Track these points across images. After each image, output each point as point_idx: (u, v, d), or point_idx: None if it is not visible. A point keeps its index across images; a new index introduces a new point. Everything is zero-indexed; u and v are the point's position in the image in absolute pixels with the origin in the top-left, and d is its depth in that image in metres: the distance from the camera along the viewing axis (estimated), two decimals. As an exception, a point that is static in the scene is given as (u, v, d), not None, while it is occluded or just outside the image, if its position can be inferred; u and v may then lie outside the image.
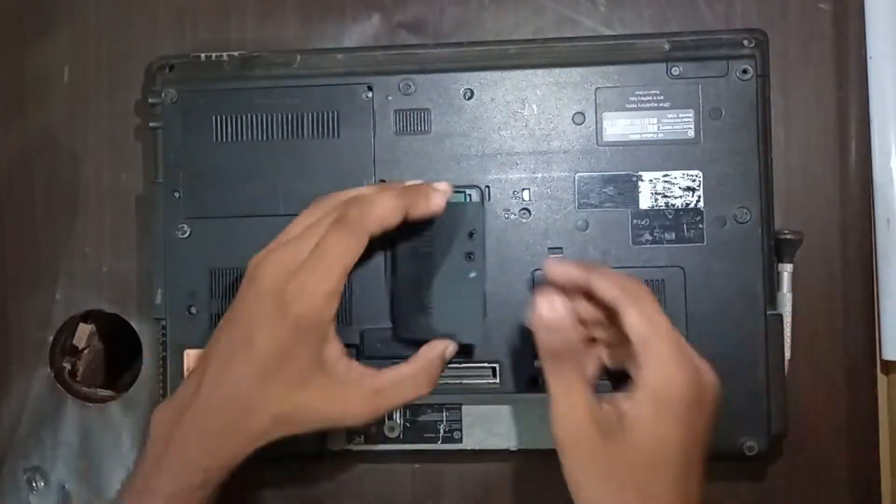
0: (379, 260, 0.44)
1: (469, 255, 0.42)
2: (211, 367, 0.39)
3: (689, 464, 0.36)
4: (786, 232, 0.45)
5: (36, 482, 0.50)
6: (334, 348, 0.38)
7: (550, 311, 0.37)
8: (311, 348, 0.38)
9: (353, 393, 0.39)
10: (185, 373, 0.45)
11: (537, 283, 0.44)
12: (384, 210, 0.38)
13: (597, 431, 0.36)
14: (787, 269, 0.45)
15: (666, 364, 0.36)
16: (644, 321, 0.36)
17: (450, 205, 0.41)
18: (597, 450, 0.36)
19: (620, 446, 0.36)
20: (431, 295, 0.42)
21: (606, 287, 0.37)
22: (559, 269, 0.38)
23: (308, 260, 0.37)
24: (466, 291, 0.42)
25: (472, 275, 0.42)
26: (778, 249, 0.45)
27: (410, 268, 0.42)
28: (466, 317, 0.41)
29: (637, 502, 0.36)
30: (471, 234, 0.42)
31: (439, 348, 0.40)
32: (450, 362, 0.42)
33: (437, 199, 0.39)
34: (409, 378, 0.39)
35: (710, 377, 0.37)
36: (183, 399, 0.39)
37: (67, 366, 0.50)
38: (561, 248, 0.44)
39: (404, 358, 0.44)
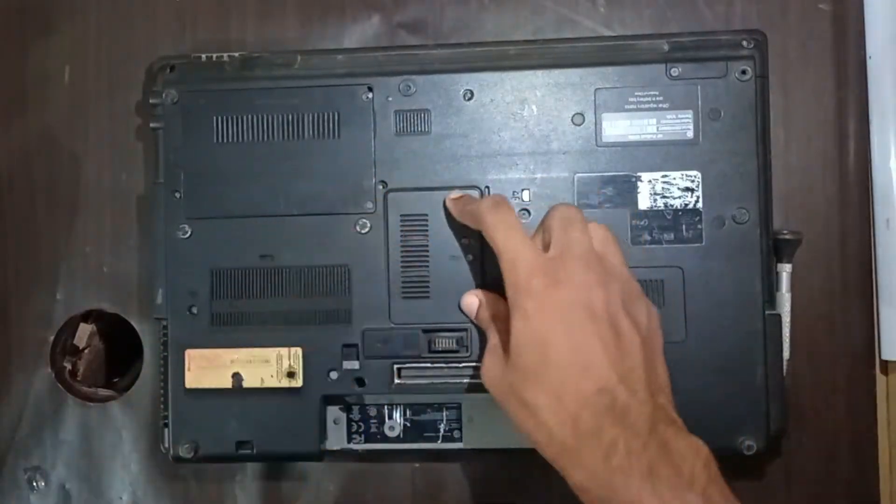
0: (378, 260, 0.44)
1: (465, 239, 0.44)
2: None
3: (581, 331, 0.36)
4: (785, 232, 0.45)
5: (36, 482, 0.50)
6: None
7: (468, 301, 0.43)
8: None
9: None
10: (186, 373, 0.45)
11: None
12: None
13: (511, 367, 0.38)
14: (785, 270, 0.45)
15: (503, 262, 0.38)
16: (489, 236, 0.39)
17: (447, 191, 0.44)
18: (496, 368, 0.38)
19: (522, 366, 0.37)
20: (429, 279, 0.44)
21: (469, 220, 0.42)
22: (449, 205, 0.44)
23: None
24: (465, 273, 0.44)
25: (470, 258, 0.44)
26: (777, 250, 0.45)
27: (407, 255, 0.44)
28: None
29: (565, 400, 0.36)
30: None
31: None
32: (449, 360, 0.44)
33: None
34: None
35: (561, 237, 0.38)
36: None
37: (68, 365, 0.51)
38: (560, 248, 0.44)
39: (404, 357, 0.44)
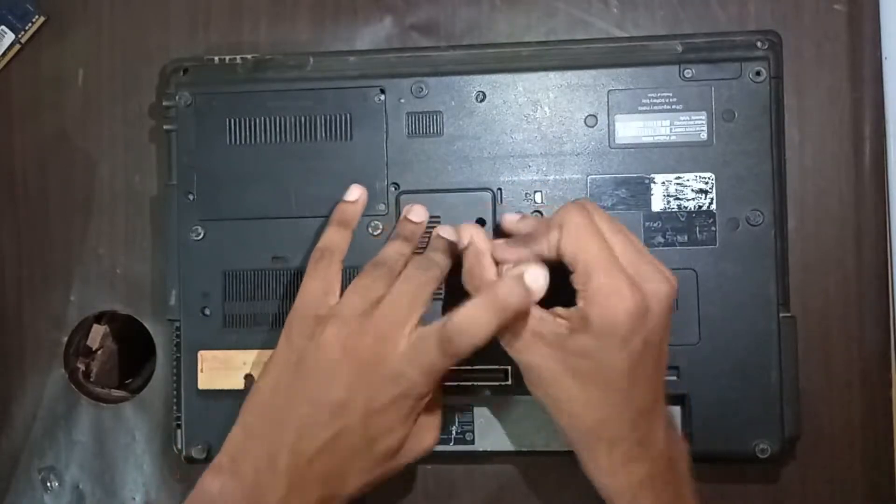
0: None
1: None
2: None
3: (636, 375, 0.37)
4: None
5: (50, 482, 0.50)
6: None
7: (473, 235, 0.40)
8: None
9: (426, 425, 0.41)
10: (199, 374, 0.45)
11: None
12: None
13: (546, 337, 0.37)
14: None
15: (598, 293, 0.36)
16: (571, 247, 0.37)
17: (459, 192, 0.44)
18: (546, 353, 0.37)
19: (568, 350, 0.37)
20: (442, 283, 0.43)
21: (542, 228, 0.38)
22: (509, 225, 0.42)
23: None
24: None
25: None
26: None
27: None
28: None
29: (595, 394, 0.37)
30: (479, 222, 0.44)
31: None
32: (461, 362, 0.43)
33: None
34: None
35: (654, 287, 0.37)
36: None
37: (81, 366, 0.51)
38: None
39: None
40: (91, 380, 0.51)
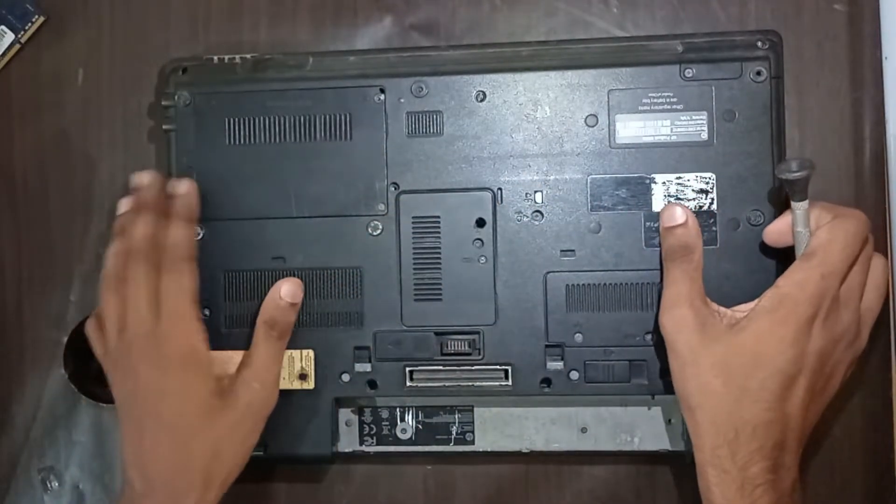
0: (390, 262, 0.44)
1: (478, 242, 0.44)
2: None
3: (792, 379, 0.38)
4: (794, 169, 0.39)
5: (50, 482, 0.50)
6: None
7: (670, 216, 0.41)
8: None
9: None
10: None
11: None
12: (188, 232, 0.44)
13: (697, 326, 0.39)
14: (800, 208, 0.40)
15: (808, 272, 0.38)
16: (827, 234, 0.39)
17: (459, 192, 0.44)
18: (693, 343, 0.39)
19: (723, 344, 0.39)
20: (441, 282, 0.44)
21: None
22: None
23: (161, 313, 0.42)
24: (477, 276, 0.44)
25: (483, 260, 0.43)
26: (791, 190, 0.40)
27: (419, 257, 0.44)
28: (478, 300, 0.44)
29: (729, 398, 0.38)
30: (479, 222, 0.44)
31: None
32: (461, 362, 0.43)
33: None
34: None
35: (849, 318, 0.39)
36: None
37: (82, 367, 0.51)
38: (573, 250, 0.44)
39: (416, 359, 0.44)
40: (91, 380, 0.51)
